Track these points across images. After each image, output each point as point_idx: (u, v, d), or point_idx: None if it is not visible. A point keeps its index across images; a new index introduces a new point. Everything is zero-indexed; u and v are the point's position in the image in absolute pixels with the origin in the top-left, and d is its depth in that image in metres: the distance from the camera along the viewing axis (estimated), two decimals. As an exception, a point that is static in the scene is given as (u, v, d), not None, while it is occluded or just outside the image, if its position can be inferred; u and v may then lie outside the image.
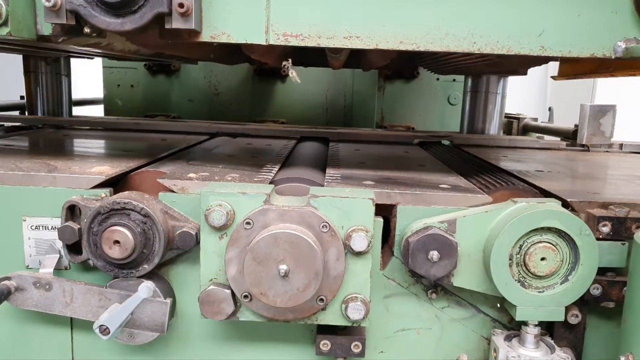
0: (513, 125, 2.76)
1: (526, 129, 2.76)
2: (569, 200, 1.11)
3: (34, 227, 1.14)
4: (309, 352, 1.18)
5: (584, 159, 1.95)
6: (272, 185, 1.10)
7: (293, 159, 1.58)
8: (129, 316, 1.04)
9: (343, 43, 1.05)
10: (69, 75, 2.73)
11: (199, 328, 1.17)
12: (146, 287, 1.00)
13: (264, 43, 1.06)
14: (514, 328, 1.16)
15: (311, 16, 1.04)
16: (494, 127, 2.42)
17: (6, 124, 2.25)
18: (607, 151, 2.17)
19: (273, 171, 1.31)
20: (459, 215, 1.07)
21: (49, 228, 1.13)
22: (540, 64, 1.75)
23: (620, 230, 1.07)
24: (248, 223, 1.01)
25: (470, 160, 1.75)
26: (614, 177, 1.52)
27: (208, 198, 1.02)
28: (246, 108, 3.10)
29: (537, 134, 2.68)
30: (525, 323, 1.07)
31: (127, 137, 1.93)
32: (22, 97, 2.94)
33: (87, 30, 1.00)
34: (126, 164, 1.29)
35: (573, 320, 1.11)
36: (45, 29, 1.06)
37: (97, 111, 3.37)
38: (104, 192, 1.11)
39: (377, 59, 1.84)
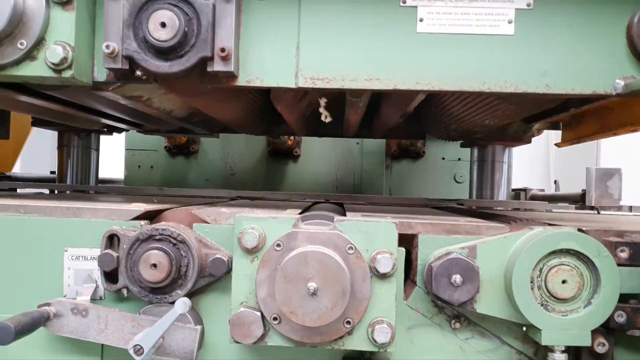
0: (520, 196, 2.83)
1: (534, 199, 2.82)
2: (584, 228, 1.16)
3: (74, 258, 1.20)
4: (334, 385, 1.18)
5: (594, 219, 1.99)
6: (299, 213, 1.17)
7: (312, 209, 1.66)
8: (161, 339, 1.07)
9: (364, 85, 1.17)
10: (98, 149, 2.92)
11: (225, 358, 1.18)
12: (183, 303, 1.04)
13: (293, 86, 1.19)
14: (541, 360, 1.16)
15: (336, 63, 1.18)
16: (502, 194, 2.49)
17: (35, 190, 2.39)
18: (616, 214, 2.21)
19: (295, 211, 1.39)
20: (479, 242, 1.12)
21: (88, 258, 1.20)
22: (547, 116, 1.85)
23: (638, 255, 1.10)
24: (278, 245, 1.07)
25: (482, 215, 1.81)
26: (629, 223, 1.56)
27: (241, 222, 1.09)
28: (260, 187, 3.24)
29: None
30: (551, 350, 1.07)
31: (155, 198, 2.03)
32: (52, 172, 3.13)
33: (138, 73, 1.14)
34: (159, 205, 1.38)
35: (600, 349, 1.11)
36: (100, 75, 1.21)
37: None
38: (142, 222, 1.19)
39: (391, 114, 1.96)
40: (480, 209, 2.18)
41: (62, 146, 2.84)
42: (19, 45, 1.09)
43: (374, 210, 1.62)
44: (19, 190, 2.50)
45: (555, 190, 2.95)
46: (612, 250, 1.10)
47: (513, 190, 2.85)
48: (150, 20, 1.10)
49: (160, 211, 1.32)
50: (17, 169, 3.11)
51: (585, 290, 1.07)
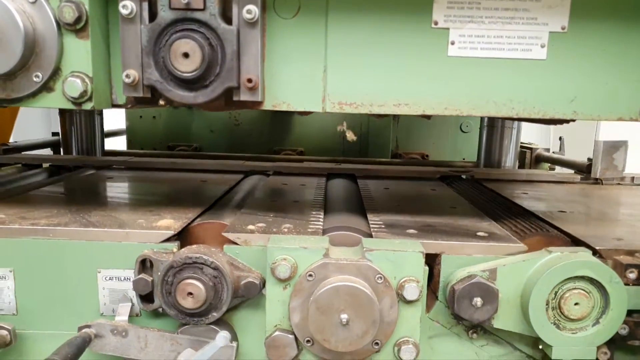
0: (526, 155, 2.87)
1: (539, 159, 2.87)
2: (597, 248, 1.22)
3: (107, 278, 1.24)
4: (359, 388, 1.28)
5: (599, 195, 2.06)
6: (328, 238, 1.21)
7: (332, 203, 1.69)
8: (202, 362, 1.14)
9: (393, 110, 1.16)
10: (101, 113, 2.83)
11: (259, 368, 1.27)
12: (223, 338, 1.10)
13: (320, 111, 1.17)
14: (548, 364, 1.26)
15: (364, 87, 1.15)
16: (510, 159, 2.53)
17: (44, 164, 2.36)
18: (619, 184, 2.28)
19: (320, 218, 1.42)
20: (499, 264, 1.18)
21: (122, 279, 1.24)
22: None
23: (645, 275, 1.18)
24: (310, 275, 1.12)
25: (495, 199, 1.85)
26: (633, 218, 1.63)
27: (274, 253, 1.13)
28: (265, 138, 3.21)
29: (550, 165, 2.79)
30: (559, 361, 1.18)
31: (169, 179, 2.02)
32: (54, 134, 3.05)
33: (161, 102, 1.11)
34: (184, 214, 1.39)
35: (602, 357, 1.21)
36: (120, 99, 1.17)
37: (120, 141, 3.46)
38: (173, 246, 1.21)
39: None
40: (488, 181, 2.22)
41: (63, 112, 2.74)
42: (34, 78, 1.04)
43: (393, 205, 1.66)
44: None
45: (560, 147, 3.00)
46: (621, 272, 1.17)
47: (520, 146, 2.87)
48: (171, 51, 1.05)
49: (188, 223, 1.33)
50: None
51: (594, 310, 1.15)
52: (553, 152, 2.94)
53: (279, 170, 2.25)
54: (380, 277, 1.11)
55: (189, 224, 1.33)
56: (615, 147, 2.12)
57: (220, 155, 2.85)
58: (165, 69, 1.07)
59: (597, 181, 2.24)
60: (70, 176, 2.06)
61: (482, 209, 1.64)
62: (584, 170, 2.33)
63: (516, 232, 1.37)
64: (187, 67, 1.05)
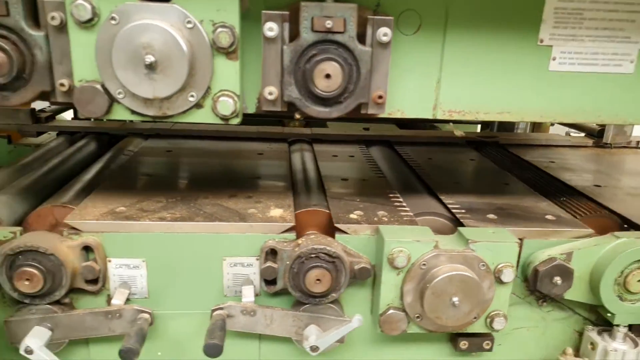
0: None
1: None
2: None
3: (232, 265, 1.38)
4: (444, 349, 1.51)
5: (616, 161, 2.29)
6: (430, 230, 1.37)
7: (397, 181, 1.85)
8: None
9: (496, 117, 1.30)
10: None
11: (360, 335, 1.47)
12: (358, 320, 1.28)
13: (431, 117, 1.29)
14: (599, 324, 1.52)
15: (472, 97, 1.28)
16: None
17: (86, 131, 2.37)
18: (624, 147, 2.52)
19: (402, 202, 1.58)
20: (575, 248, 1.39)
21: (245, 265, 1.38)
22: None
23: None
24: (423, 264, 1.30)
25: (532, 170, 2.06)
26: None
27: (391, 245, 1.29)
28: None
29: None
30: (617, 324, 1.43)
31: (224, 151, 2.12)
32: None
33: (297, 116, 1.21)
34: (282, 200, 1.53)
35: (650, 320, 1.47)
36: (250, 108, 1.26)
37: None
38: (292, 236, 1.36)
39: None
40: (511, 146, 2.42)
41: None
42: (189, 98, 1.12)
43: (452, 181, 1.83)
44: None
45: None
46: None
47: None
48: (315, 72, 1.14)
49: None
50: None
51: (652, 284, 1.39)
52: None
53: (317, 138, 2.37)
54: (483, 265, 1.30)
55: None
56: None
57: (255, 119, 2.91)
58: (304, 87, 1.16)
59: (607, 145, 2.48)
60: (136, 153, 2.08)
61: (531, 185, 1.84)
62: (595, 134, 2.55)
63: (573, 213, 1.58)
64: (329, 87, 1.14)
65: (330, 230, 1.45)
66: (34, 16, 1.08)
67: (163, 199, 1.51)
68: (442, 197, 1.66)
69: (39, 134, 2.46)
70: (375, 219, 1.44)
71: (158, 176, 1.77)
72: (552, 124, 3.24)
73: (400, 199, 1.62)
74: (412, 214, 1.50)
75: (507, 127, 2.91)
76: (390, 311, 1.34)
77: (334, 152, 2.21)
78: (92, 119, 2.50)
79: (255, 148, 2.21)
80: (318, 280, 1.31)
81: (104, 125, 2.41)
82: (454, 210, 1.54)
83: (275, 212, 1.44)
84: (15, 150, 2.41)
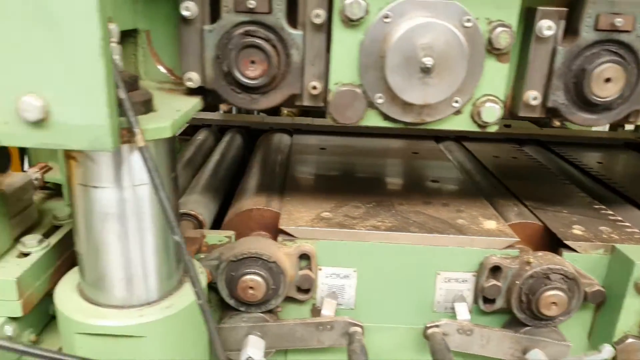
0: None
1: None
2: None
3: (446, 280, 1.29)
4: None
5: None
6: None
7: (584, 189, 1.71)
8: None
9: None
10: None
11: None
12: (609, 351, 1.17)
13: None
14: None
15: None
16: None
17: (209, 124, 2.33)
18: None
19: (613, 214, 1.44)
20: None
21: (459, 280, 1.29)
22: None
23: None
24: (678, 291, 1.16)
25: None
26: None
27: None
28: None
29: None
30: None
31: (375, 149, 2.03)
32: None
33: (557, 123, 1.09)
34: (483, 209, 1.42)
35: None
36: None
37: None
38: (516, 252, 1.25)
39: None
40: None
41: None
42: (453, 104, 1.02)
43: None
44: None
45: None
46: None
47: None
48: (592, 75, 1.01)
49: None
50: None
51: None
52: None
53: (462, 135, 2.25)
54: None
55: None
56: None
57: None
58: (574, 92, 1.04)
59: None
60: (292, 150, 1.99)
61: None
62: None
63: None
64: (607, 92, 1.02)
65: (544, 245, 1.33)
66: (293, 14, 1.00)
67: (359, 204, 1.43)
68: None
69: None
70: (604, 235, 1.31)
71: (333, 177, 1.69)
72: None
73: (609, 210, 1.48)
74: (637, 229, 1.36)
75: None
76: (629, 340, 1.22)
77: (485, 151, 2.09)
78: (235, 112, 2.46)
79: (403, 146, 2.11)
80: (554, 303, 1.20)
81: (246, 119, 2.36)
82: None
83: (489, 224, 1.33)
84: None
